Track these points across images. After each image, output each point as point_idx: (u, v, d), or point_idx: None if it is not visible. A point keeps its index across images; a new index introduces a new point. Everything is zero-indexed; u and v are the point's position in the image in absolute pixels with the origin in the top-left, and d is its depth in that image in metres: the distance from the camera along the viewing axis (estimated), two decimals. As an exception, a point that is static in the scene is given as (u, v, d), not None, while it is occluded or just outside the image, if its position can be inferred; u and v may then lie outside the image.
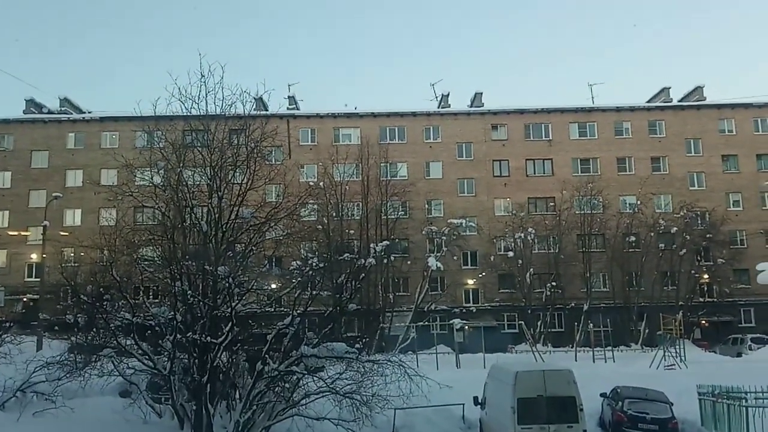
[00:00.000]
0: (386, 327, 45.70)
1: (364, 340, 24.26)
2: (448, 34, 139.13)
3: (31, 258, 47.54)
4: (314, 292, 17.83)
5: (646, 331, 46.79)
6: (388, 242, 43.80)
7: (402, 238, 50.90)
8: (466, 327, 42.37)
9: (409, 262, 49.83)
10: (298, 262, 21.72)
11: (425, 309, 46.88)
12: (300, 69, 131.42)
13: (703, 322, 49.83)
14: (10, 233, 48.09)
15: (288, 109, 54.58)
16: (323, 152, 51.56)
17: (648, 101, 59.15)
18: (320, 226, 44.63)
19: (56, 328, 23.03)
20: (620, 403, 19.18)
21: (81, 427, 15.16)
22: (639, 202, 50.86)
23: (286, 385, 17.16)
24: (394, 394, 16.76)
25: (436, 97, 59.08)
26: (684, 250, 49.18)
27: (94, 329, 17.20)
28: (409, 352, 33.51)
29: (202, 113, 17.57)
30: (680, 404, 19.42)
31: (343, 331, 21.93)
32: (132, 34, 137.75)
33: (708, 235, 50.31)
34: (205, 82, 17.15)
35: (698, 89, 57.64)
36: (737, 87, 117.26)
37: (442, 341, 40.62)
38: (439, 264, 45.96)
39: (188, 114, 17.78)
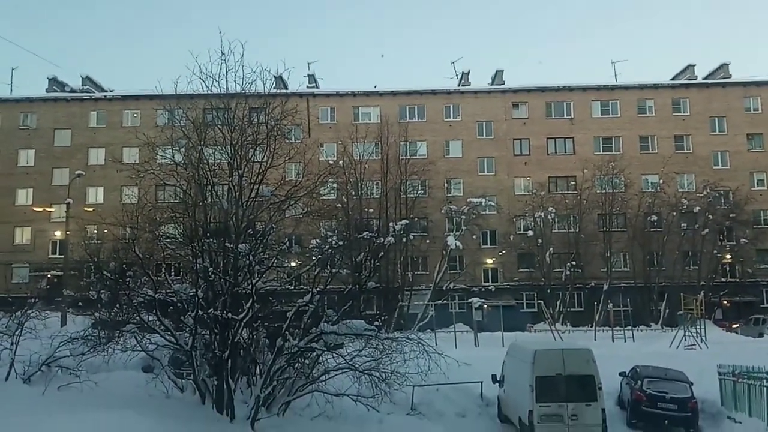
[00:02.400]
0: (405, 305, 45.86)
1: (383, 318, 24.36)
2: (469, 11, 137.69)
3: (55, 235, 48.25)
4: (334, 270, 17.92)
5: (667, 311, 46.55)
6: (407, 221, 43.86)
7: (421, 217, 50.89)
8: (485, 306, 42.38)
9: (428, 241, 49.87)
10: (318, 240, 21.86)
11: (444, 288, 46.91)
12: (319, 47, 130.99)
13: (725, 302, 49.41)
14: (35, 210, 48.75)
15: (307, 87, 54.50)
16: (343, 131, 51.49)
17: (672, 79, 58.27)
18: (340, 205, 44.69)
19: (80, 304, 23.37)
20: (639, 382, 19.12)
21: (105, 401, 15.37)
22: (661, 181, 50.38)
23: (306, 362, 17.34)
24: (412, 371, 16.87)
25: (457, 75, 58.79)
26: (707, 230, 48.71)
27: (117, 305, 17.42)
28: (428, 330, 33.77)
29: (222, 91, 17.57)
30: (700, 384, 19.33)
31: (362, 309, 22.03)
32: (152, 12, 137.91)
33: (731, 215, 49.83)
34: (225, 60, 17.08)
35: (724, 66, 56.64)
36: (764, 64, 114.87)
37: (461, 320, 40.67)
38: (458, 243, 45.91)
39: (209, 92, 17.79)
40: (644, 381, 19.00)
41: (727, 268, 51.13)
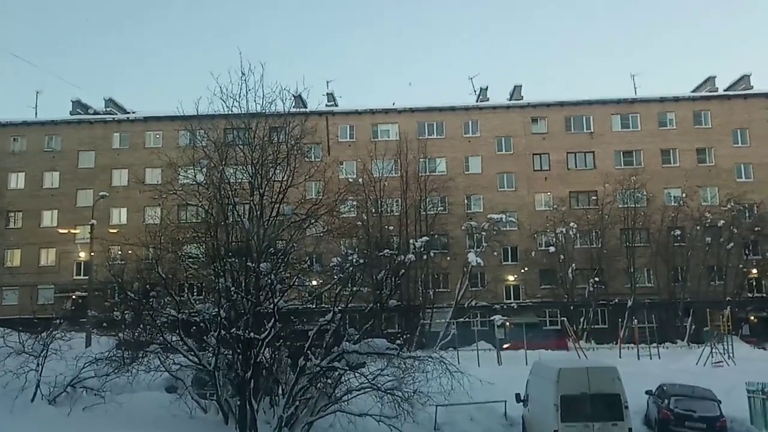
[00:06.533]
0: (426, 323, 45.66)
1: (404, 337, 24.41)
2: (486, 27, 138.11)
3: (80, 256, 48.76)
4: (355, 289, 17.99)
5: (693, 327, 45.93)
6: (427, 238, 43.84)
7: (441, 234, 50.80)
8: (507, 323, 42.08)
9: (449, 258, 49.74)
10: (339, 259, 21.88)
11: (465, 305, 46.66)
12: (338, 66, 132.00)
13: (752, 317, 48.60)
14: (60, 231, 49.30)
15: (326, 106, 54.73)
16: (362, 148, 51.65)
17: (693, 91, 57.77)
18: (360, 223, 44.79)
19: (104, 324, 23.65)
20: (666, 400, 18.84)
21: (129, 422, 15.49)
22: (684, 195, 49.73)
23: (328, 381, 17.35)
24: (435, 390, 16.80)
25: (475, 91, 58.71)
26: (731, 244, 47.97)
27: (141, 326, 17.61)
28: (450, 349, 33.59)
29: (243, 111, 17.80)
30: (729, 402, 19.00)
31: (384, 328, 22.05)
32: (172, 33, 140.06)
33: (756, 228, 49.10)
34: (245, 80, 17.41)
35: (745, 78, 56.07)
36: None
37: (483, 338, 40.38)
38: (479, 260, 45.73)
39: (229, 112, 18.02)
40: (671, 399, 18.71)
41: (754, 283, 50.24)
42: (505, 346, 38.23)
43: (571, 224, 49.04)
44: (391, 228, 48.53)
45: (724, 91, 56.50)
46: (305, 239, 19.57)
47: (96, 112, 58.41)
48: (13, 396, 15.77)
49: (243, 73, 17.33)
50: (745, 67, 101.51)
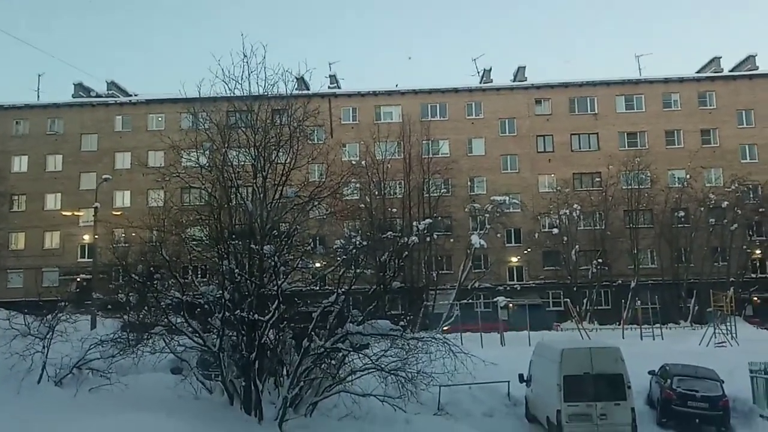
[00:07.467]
0: (430, 305, 45.81)
1: (408, 318, 24.45)
2: (489, 7, 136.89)
3: (84, 239, 48.89)
4: (358, 271, 18.00)
5: (696, 308, 46.05)
6: (430, 220, 43.71)
7: (445, 216, 50.83)
8: (511, 305, 42.14)
9: (452, 240, 49.80)
10: (342, 241, 21.87)
11: (469, 287, 46.77)
12: (340, 47, 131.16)
13: (755, 298, 48.65)
14: (63, 214, 49.43)
15: (329, 88, 54.63)
16: (365, 131, 51.53)
17: (698, 72, 57.41)
18: (363, 205, 44.78)
19: (109, 306, 23.66)
20: (669, 380, 18.88)
21: (135, 403, 15.54)
22: (688, 176, 49.62)
23: (332, 362, 17.43)
24: (438, 371, 16.89)
25: (478, 73, 58.47)
26: (735, 225, 48.00)
27: (146, 308, 17.61)
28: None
29: (245, 94, 17.72)
30: (731, 382, 19.04)
31: (388, 309, 22.05)
32: (173, 15, 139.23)
33: (761, 210, 49.24)
34: (247, 62, 17.27)
35: (750, 58, 55.68)
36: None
37: (487, 319, 40.45)
38: (482, 241, 45.73)
39: (232, 95, 17.95)
40: (674, 379, 18.76)
41: (757, 264, 50.37)
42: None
43: (575, 206, 49.10)
44: (395, 210, 48.62)
45: (730, 71, 56.19)
46: (308, 221, 19.58)
47: (98, 95, 58.46)
48: (20, 378, 15.83)
49: (245, 55, 17.22)
50: (750, 47, 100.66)
